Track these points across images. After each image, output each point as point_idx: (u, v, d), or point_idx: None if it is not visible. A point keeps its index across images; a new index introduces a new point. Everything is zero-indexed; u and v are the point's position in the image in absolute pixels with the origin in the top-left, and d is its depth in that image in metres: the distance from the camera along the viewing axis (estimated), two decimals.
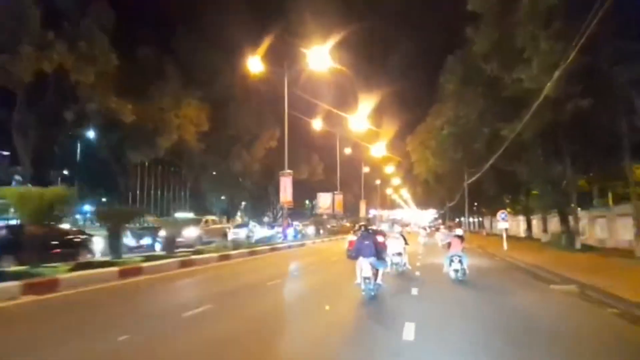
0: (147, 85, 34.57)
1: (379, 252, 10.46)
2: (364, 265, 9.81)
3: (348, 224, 59.33)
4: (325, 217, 42.07)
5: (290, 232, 33.14)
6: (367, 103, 49.26)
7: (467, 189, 50.90)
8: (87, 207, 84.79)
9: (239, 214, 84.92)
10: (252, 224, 32.50)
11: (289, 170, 31.18)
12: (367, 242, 10.19)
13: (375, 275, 10.03)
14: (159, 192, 78.80)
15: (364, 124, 45.00)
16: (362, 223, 21.90)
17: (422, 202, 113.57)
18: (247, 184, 60.43)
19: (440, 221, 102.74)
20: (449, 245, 14.14)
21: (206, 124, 39.00)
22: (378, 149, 61.25)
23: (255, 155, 48.91)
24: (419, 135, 48.48)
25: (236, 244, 21.11)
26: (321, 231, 40.25)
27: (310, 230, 38.88)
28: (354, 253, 10.66)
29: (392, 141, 60.27)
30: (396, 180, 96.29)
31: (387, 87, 55.59)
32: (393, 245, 14.74)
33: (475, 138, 32.08)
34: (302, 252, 26.06)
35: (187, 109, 36.46)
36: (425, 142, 44.89)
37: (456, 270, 13.02)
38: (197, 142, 39.36)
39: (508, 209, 70.04)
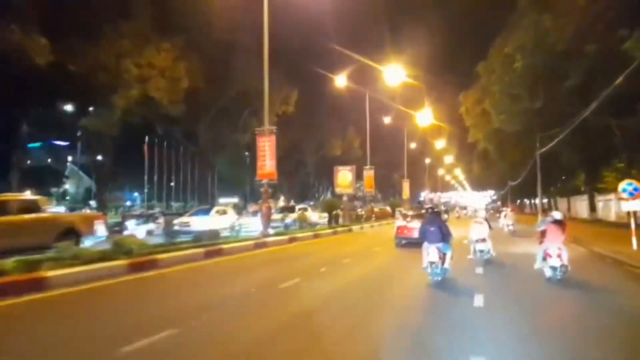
0: (98, 22, 24.55)
1: (445, 236, 9.61)
2: (431, 250, 9.41)
3: (388, 208, 47.54)
4: (345, 198, 30.22)
5: (238, 221, 21.38)
6: (405, 49, 37.17)
7: (539, 159, 37.74)
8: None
9: (281, 197, 76.09)
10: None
11: (269, 127, 19.87)
12: (433, 229, 9.62)
13: (443, 259, 9.45)
14: (187, 177, 69.94)
15: (401, 76, 32.96)
16: (429, 206, 17.45)
17: (479, 183, 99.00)
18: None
19: (499, 203, 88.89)
20: (542, 233, 10.07)
21: (186, 78, 28.43)
22: (424, 116, 48.79)
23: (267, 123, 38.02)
24: (477, 88, 35.62)
25: (118, 249, 10.18)
26: (340, 219, 28.60)
27: (315, 216, 27.37)
28: (420, 238, 10.14)
29: (442, 104, 47.84)
30: (449, 159, 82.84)
31: (431, 24, 42.72)
32: (477, 230, 12.72)
33: (568, 69, 19.49)
34: (238, 266, 12.83)
35: (153, 56, 26.03)
36: (484, 94, 32.05)
37: (554, 268, 9.49)
38: (178, 103, 28.91)
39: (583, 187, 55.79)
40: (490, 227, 13.26)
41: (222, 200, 62.24)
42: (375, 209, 42.51)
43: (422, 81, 41.33)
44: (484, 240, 12.57)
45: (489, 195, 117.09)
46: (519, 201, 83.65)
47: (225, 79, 33.82)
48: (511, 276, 10.97)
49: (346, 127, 56.36)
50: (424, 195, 71.81)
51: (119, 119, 25.80)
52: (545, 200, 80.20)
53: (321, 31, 42.62)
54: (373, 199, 38.53)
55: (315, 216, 28.20)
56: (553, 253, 9.62)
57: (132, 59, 25.22)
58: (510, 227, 23.97)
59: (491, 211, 46.44)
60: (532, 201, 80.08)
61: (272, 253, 15.28)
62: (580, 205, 45.58)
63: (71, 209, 35.42)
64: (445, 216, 34.51)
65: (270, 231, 19.09)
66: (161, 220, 20.27)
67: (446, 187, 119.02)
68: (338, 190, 29.51)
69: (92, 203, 51.76)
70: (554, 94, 22.93)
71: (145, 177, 58.70)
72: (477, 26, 36.45)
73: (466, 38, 46.97)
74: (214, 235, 15.29)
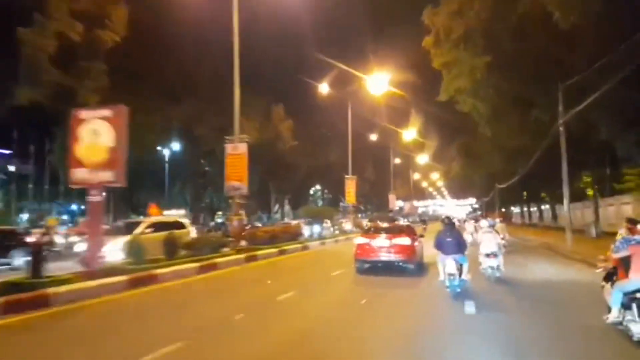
0: None
1: (461, 247, 9.03)
2: (448, 262, 8.79)
3: (292, 223, 28.55)
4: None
5: None
6: None
7: (563, 132, 20.42)
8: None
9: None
10: None
11: None
12: (449, 240, 9.07)
13: (460, 270, 8.77)
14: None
15: None
16: (446, 215, 11.72)
17: (460, 188, 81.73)
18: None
19: (479, 213, 74.70)
20: (621, 262, 5.83)
21: None
22: (377, 82, 31.05)
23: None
24: None
25: None
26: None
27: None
28: (436, 248, 9.31)
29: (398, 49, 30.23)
30: (423, 159, 65.50)
31: None
32: (487, 242, 10.63)
33: None
34: None
35: None
36: None
37: None
38: None
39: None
40: (503, 238, 12.23)
41: (169, 212, 44.34)
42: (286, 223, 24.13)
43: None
44: (494, 255, 10.49)
45: (469, 203, 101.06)
46: (503, 209, 66.46)
47: None
48: (561, 338, 5.77)
49: (270, 102, 38.37)
50: (391, 201, 53.84)
51: None
52: (534, 209, 63.30)
53: None
54: (246, 204, 19.16)
55: None
56: None
57: None
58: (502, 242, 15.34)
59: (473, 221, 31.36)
60: (527, 209, 62.81)
61: None
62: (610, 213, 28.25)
63: None
64: (423, 226, 29.48)
65: None
66: None
67: (422, 194, 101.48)
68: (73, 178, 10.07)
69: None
70: None
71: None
72: None
73: None
74: None
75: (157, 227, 13.59)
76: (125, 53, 22.63)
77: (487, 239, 10.71)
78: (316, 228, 25.60)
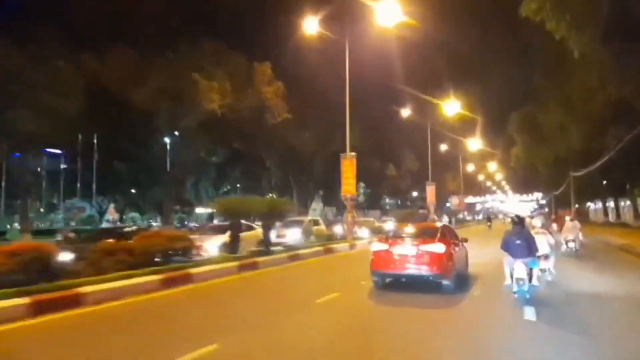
0: None
1: (532, 250, 8.18)
2: (517, 266, 7.97)
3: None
4: None
5: None
6: None
7: None
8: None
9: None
10: None
11: None
12: (519, 242, 8.17)
13: (530, 275, 8.13)
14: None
15: None
16: (515, 214, 9.76)
17: (522, 181, 67.99)
18: None
19: (546, 210, 62.79)
20: None
21: None
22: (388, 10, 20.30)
23: None
24: None
25: None
26: None
27: None
28: (502, 250, 8.42)
29: None
30: (475, 144, 52.96)
31: None
32: (539, 244, 9.15)
33: None
34: None
35: None
36: None
37: None
38: None
39: None
40: (574, 238, 12.97)
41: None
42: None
43: None
44: (546, 257, 9.79)
45: (535, 199, 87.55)
46: (577, 205, 53.04)
47: None
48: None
49: (250, 57, 28.18)
50: (429, 195, 42.35)
51: None
52: (622, 204, 49.54)
53: None
54: None
55: None
56: None
57: None
58: (571, 245, 14.78)
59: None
60: (614, 205, 48.93)
61: None
62: None
63: None
64: (488, 224, 29.58)
65: None
66: None
67: (478, 189, 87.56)
68: None
69: None
70: None
71: None
72: None
73: None
74: None
75: None
76: None
77: (538, 240, 9.12)
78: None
